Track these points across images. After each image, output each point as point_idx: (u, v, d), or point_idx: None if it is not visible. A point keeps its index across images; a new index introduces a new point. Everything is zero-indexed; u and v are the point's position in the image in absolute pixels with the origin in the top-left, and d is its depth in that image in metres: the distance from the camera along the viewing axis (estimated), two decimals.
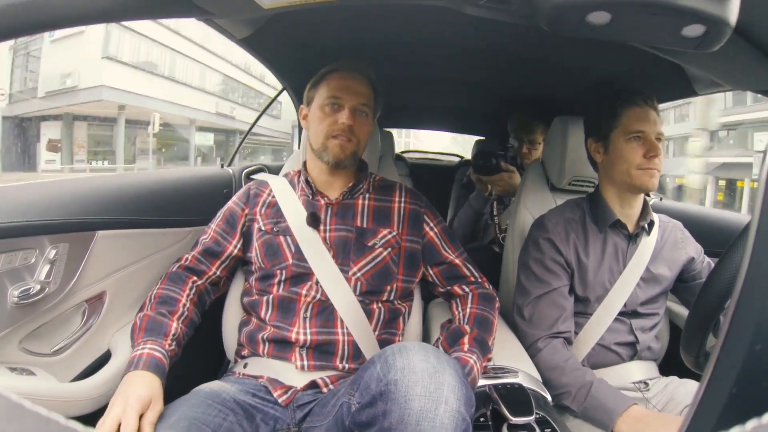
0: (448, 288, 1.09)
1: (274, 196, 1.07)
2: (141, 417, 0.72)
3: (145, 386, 0.76)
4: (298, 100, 1.69)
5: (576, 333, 1.10)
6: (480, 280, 1.09)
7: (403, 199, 1.10)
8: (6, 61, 13.65)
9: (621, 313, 1.09)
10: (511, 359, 0.99)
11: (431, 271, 1.09)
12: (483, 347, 0.94)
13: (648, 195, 1.66)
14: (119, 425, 0.70)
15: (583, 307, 1.11)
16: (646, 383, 1.09)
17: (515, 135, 1.88)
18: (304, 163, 1.13)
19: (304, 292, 0.97)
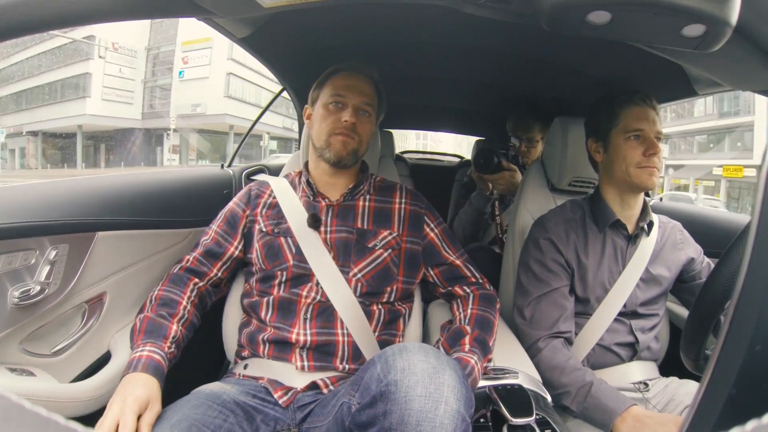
0: (449, 289, 1.09)
1: (275, 197, 1.07)
2: (139, 418, 0.72)
3: (144, 387, 0.76)
4: (297, 99, 1.69)
5: (576, 333, 1.10)
6: (481, 281, 1.09)
7: (403, 200, 1.10)
8: (139, 90, 20.51)
9: (621, 314, 1.09)
10: (511, 360, 0.99)
11: (432, 272, 1.09)
12: (484, 348, 0.93)
13: (648, 195, 1.66)
14: (118, 426, 0.70)
15: (583, 308, 1.11)
16: (646, 384, 1.09)
17: (513, 134, 1.89)
18: (306, 164, 1.14)
19: (304, 293, 0.97)
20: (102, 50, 17.60)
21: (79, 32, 17.61)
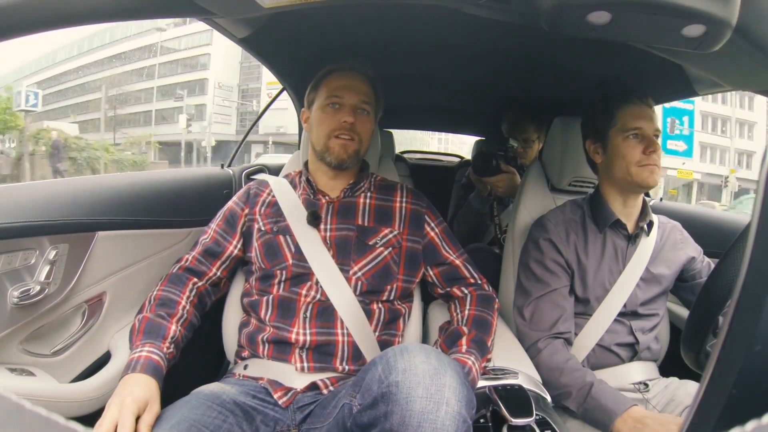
0: (448, 290, 1.09)
1: (274, 196, 1.07)
2: (138, 419, 0.72)
3: (142, 388, 0.76)
4: (297, 100, 1.69)
5: (576, 334, 1.10)
6: (480, 281, 1.09)
7: (404, 199, 1.10)
8: (233, 115, 28.30)
9: (621, 314, 1.09)
10: (511, 360, 0.99)
11: (431, 272, 1.09)
12: (481, 348, 0.93)
13: (648, 195, 1.66)
14: (116, 427, 0.70)
15: (583, 308, 1.11)
16: (646, 384, 1.09)
17: (509, 135, 1.89)
18: (306, 164, 1.13)
19: (304, 292, 0.97)
20: (213, 88, 26.99)
21: (198, 74, 27.36)
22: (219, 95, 27.07)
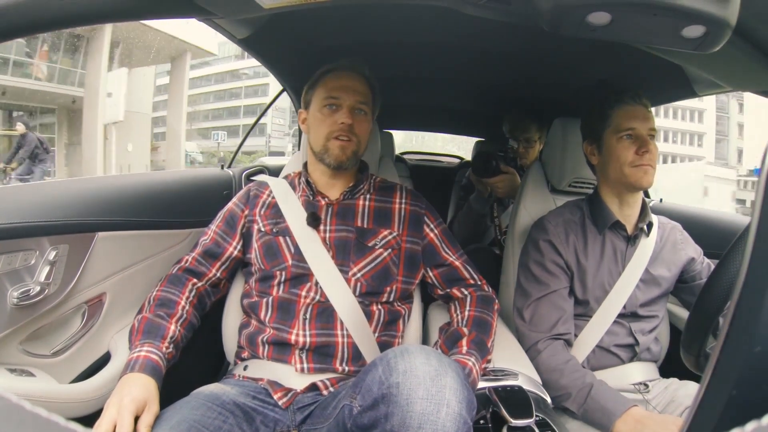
0: (447, 291, 1.09)
1: (274, 197, 1.07)
2: (137, 420, 0.72)
3: (141, 388, 0.76)
4: (297, 100, 1.69)
5: (575, 335, 1.10)
6: (479, 282, 1.09)
7: (403, 201, 1.10)
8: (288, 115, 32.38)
9: (620, 315, 1.09)
10: (511, 361, 0.99)
11: (431, 273, 1.09)
12: (481, 349, 0.93)
13: (647, 196, 1.66)
14: (115, 427, 0.70)
15: (583, 309, 1.11)
16: (646, 385, 1.09)
17: (511, 135, 1.89)
18: (305, 165, 1.13)
19: (303, 293, 0.97)
20: (271, 111, 29.06)
21: (260, 100, 31.94)
22: (275, 116, 33.13)
